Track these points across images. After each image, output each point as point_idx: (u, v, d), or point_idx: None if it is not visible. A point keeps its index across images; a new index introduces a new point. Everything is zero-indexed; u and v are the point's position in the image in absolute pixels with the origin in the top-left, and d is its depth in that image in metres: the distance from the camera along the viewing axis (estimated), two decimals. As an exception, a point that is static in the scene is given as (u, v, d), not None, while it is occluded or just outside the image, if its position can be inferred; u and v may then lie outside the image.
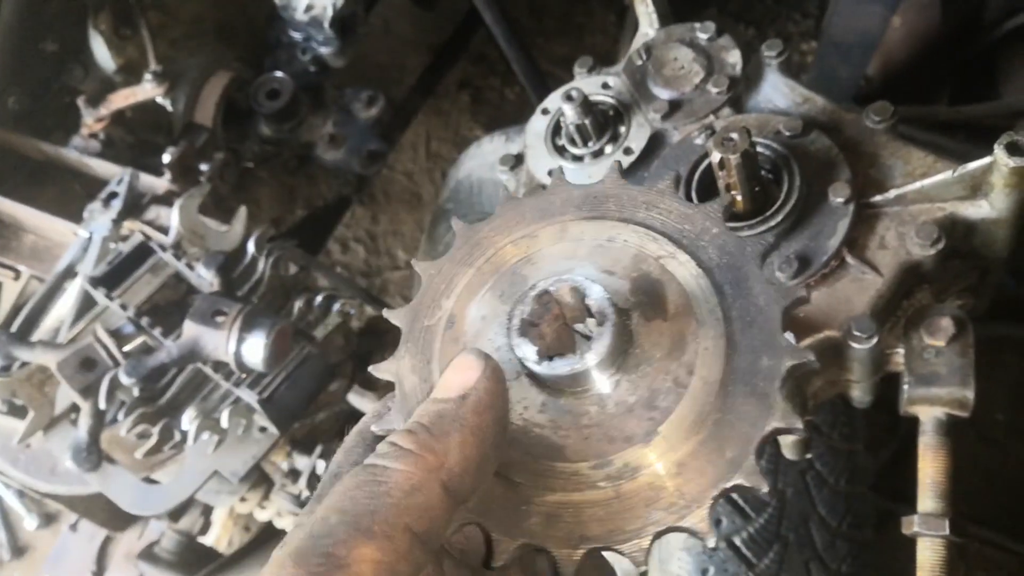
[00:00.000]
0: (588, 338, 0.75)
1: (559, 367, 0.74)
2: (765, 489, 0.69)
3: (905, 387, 1.19)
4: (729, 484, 0.69)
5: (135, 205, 2.19)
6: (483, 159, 2.20)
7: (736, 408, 0.71)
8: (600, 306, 0.75)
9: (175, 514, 2.31)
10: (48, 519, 3.18)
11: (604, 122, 1.42)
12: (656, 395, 0.73)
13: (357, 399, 2.13)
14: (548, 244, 0.83)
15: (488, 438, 0.69)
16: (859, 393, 1.29)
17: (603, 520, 0.70)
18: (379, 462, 0.65)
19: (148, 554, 2.35)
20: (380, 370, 0.83)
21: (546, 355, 0.74)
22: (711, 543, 0.69)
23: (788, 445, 1.39)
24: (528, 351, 0.75)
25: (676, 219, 0.81)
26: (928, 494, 1.13)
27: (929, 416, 1.17)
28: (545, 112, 1.47)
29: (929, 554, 1.14)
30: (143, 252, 2.01)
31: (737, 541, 1.72)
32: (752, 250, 0.78)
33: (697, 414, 0.71)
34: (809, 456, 1.69)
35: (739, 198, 1.22)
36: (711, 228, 0.80)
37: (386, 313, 0.87)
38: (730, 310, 0.75)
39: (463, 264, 0.85)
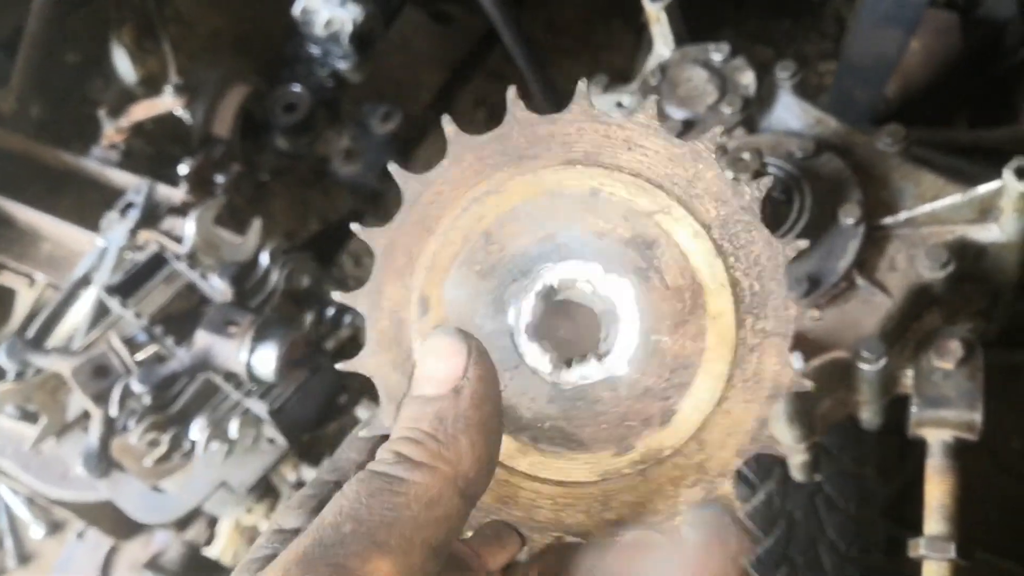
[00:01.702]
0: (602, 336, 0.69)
1: (580, 377, 0.69)
2: (781, 451, 0.67)
3: (913, 409, 1.19)
4: (750, 452, 0.66)
5: (152, 215, 2.21)
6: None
7: (750, 377, 0.67)
8: (621, 303, 0.68)
9: (181, 524, 2.32)
10: (55, 527, 3.18)
11: (616, 140, 1.42)
12: (668, 371, 0.69)
13: (366, 412, 2.13)
14: (521, 200, 0.72)
15: (492, 431, 0.64)
16: (868, 415, 1.29)
17: (633, 504, 0.67)
18: (391, 471, 0.60)
19: (153, 564, 2.35)
20: (354, 365, 0.74)
21: (561, 363, 0.69)
22: (739, 511, 0.68)
23: (796, 467, 1.38)
24: (541, 361, 0.69)
25: (664, 162, 0.71)
26: (935, 517, 1.12)
27: (937, 439, 1.16)
28: (558, 129, 1.47)
29: (935, 578, 1.13)
30: (158, 262, 2.02)
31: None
32: (752, 197, 0.69)
33: (712, 388, 0.68)
34: (818, 479, 1.67)
35: (749, 217, 1.22)
36: (705, 172, 0.70)
37: (339, 296, 0.74)
38: (734, 271, 0.69)
39: (422, 230, 0.74)
